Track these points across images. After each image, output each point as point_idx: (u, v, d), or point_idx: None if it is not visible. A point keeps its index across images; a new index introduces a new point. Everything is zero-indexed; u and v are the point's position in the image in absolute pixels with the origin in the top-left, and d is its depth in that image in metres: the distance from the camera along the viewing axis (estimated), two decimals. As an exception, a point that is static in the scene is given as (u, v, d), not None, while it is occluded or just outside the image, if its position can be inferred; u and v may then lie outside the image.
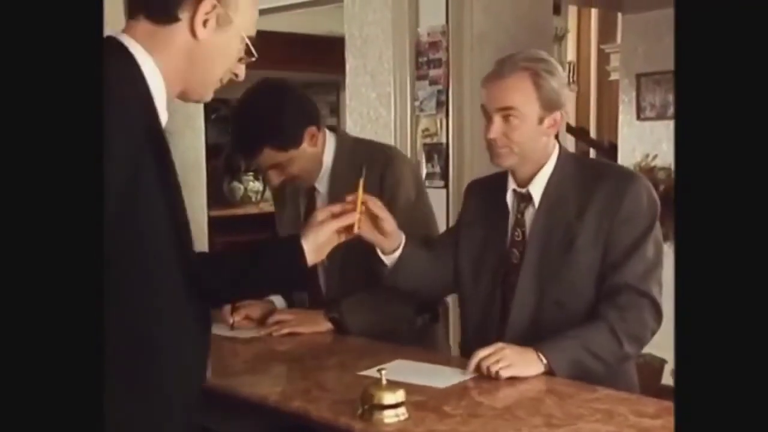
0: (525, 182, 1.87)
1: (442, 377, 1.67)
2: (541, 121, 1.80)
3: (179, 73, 1.17)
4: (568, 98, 1.87)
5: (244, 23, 1.21)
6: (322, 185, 2.15)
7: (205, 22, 1.16)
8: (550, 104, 1.79)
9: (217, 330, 2.12)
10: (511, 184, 1.90)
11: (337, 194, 2.11)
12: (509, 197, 1.90)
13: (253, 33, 1.23)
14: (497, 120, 1.80)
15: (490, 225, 1.93)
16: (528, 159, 1.84)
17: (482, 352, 1.67)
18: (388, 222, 1.83)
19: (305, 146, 2.05)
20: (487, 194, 1.99)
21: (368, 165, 2.10)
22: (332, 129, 2.21)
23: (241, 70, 1.25)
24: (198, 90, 1.23)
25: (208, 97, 1.25)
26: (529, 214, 1.87)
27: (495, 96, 1.80)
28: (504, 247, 1.89)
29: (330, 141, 2.14)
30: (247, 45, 1.22)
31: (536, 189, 1.86)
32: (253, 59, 1.24)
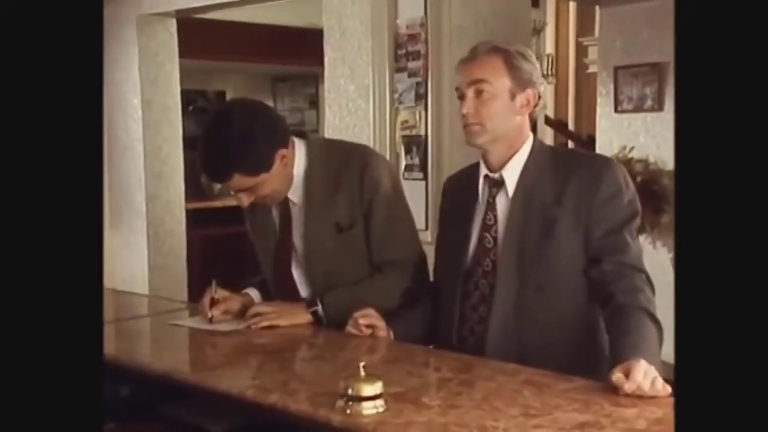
0: (497, 167, 1.88)
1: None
2: (513, 96, 1.82)
3: None
4: (542, 84, 1.89)
5: None
6: (295, 195, 2.11)
7: None
8: (521, 81, 1.82)
9: (197, 323, 2.12)
10: (483, 170, 1.91)
11: (313, 203, 2.10)
12: (480, 183, 1.91)
13: None
14: (470, 95, 1.83)
15: (463, 213, 1.94)
16: (500, 138, 1.85)
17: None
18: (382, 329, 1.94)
19: (276, 167, 2.01)
20: (459, 186, 2.01)
21: (345, 166, 2.10)
22: (300, 134, 2.15)
23: None
24: None
25: None
26: (500, 199, 1.87)
27: (467, 73, 1.84)
28: (474, 232, 1.89)
29: (300, 150, 2.10)
30: None
31: (510, 174, 1.87)
32: None
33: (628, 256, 1.78)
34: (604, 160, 1.91)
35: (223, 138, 1.97)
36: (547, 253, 1.80)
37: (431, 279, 2.12)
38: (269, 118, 2.05)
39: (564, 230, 1.79)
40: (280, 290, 2.19)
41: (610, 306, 1.73)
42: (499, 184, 1.88)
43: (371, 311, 1.96)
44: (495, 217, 1.88)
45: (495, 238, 1.87)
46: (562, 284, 1.81)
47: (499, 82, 1.81)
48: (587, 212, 1.79)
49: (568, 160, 1.89)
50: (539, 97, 1.87)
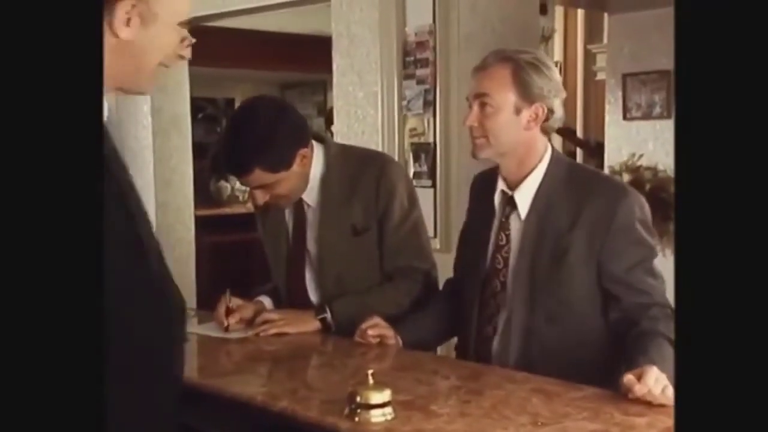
0: (512, 184, 1.84)
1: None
2: (518, 111, 1.77)
3: (109, 70, 1.07)
4: (557, 98, 1.80)
5: (173, 12, 1.17)
6: (311, 198, 2.11)
7: (128, 21, 1.11)
8: (528, 95, 1.76)
9: (209, 330, 2.12)
10: (500, 184, 1.87)
11: (329, 206, 2.11)
12: (497, 198, 1.88)
13: (185, 17, 1.19)
14: (474, 107, 1.80)
15: (480, 225, 1.92)
16: (507, 153, 1.81)
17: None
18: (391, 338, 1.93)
19: (296, 166, 2.02)
20: (483, 190, 1.96)
21: (363, 171, 2.10)
22: (319, 138, 2.16)
23: (187, 52, 1.22)
24: (135, 84, 1.20)
25: (149, 88, 1.21)
26: (514, 220, 1.84)
27: (474, 84, 1.81)
28: (488, 250, 1.88)
29: (318, 153, 2.10)
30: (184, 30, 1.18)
31: (522, 196, 1.82)
32: (192, 42, 1.21)
33: (649, 297, 1.73)
34: (620, 190, 1.81)
35: (249, 132, 1.97)
36: (558, 284, 1.76)
37: (452, 274, 2.10)
38: (293, 117, 2.06)
39: (576, 260, 1.75)
40: (291, 295, 2.20)
41: (630, 334, 1.68)
42: (512, 203, 1.84)
43: (379, 321, 1.95)
44: (507, 237, 1.85)
45: (506, 260, 1.84)
46: (574, 315, 1.78)
47: (503, 97, 1.76)
48: (601, 244, 1.74)
49: (584, 185, 1.81)
50: (551, 112, 1.79)
